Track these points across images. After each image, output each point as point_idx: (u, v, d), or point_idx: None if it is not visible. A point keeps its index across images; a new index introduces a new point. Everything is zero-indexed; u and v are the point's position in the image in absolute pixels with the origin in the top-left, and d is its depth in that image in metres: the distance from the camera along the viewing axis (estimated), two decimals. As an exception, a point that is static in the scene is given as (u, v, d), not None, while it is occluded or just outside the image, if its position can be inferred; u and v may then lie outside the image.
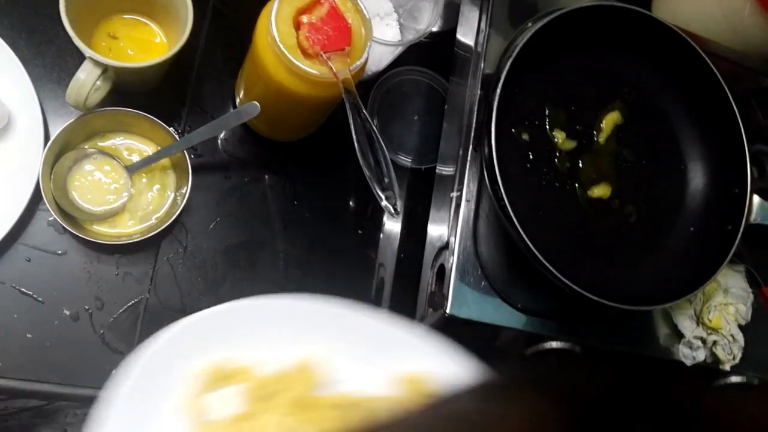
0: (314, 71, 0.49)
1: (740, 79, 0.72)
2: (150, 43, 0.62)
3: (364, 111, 0.48)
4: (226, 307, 0.48)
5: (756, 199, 0.61)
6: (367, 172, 0.47)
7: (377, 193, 0.47)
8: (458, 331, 0.56)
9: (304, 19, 0.50)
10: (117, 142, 0.60)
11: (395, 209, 0.47)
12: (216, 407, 0.46)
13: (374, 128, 0.48)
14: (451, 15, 0.76)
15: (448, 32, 0.74)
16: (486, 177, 0.56)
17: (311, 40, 0.49)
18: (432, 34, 0.77)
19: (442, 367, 0.49)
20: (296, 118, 0.61)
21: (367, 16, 0.52)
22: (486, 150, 0.55)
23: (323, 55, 0.49)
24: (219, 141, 0.66)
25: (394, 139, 0.73)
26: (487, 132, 0.53)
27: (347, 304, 0.50)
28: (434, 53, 0.76)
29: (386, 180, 0.47)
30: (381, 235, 0.71)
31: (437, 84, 0.75)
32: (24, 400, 0.99)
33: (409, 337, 0.50)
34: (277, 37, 0.49)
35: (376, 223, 0.71)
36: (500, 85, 0.53)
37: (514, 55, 0.54)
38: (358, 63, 0.50)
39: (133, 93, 0.62)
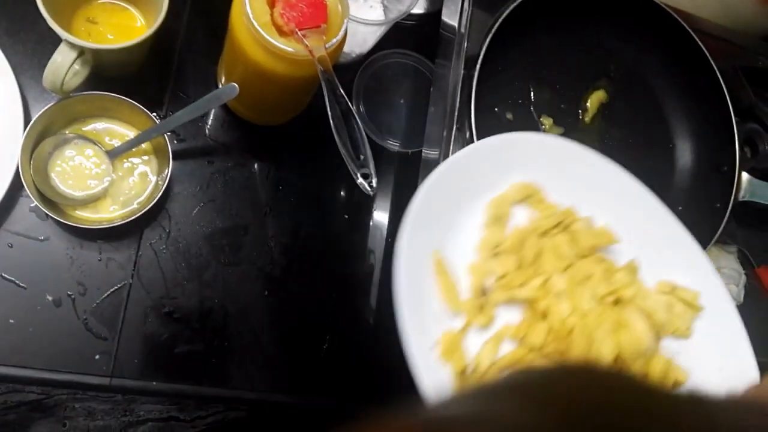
0: (289, 49, 0.48)
1: (730, 57, 0.71)
2: (130, 28, 0.61)
3: (340, 89, 0.48)
4: (559, 142, 0.54)
5: (745, 176, 0.60)
6: (342, 150, 0.46)
7: (353, 170, 0.47)
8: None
9: (279, -4, 0.49)
10: (98, 126, 0.60)
11: (370, 186, 0.47)
12: (513, 218, 0.53)
13: (350, 105, 0.47)
14: (436, -2, 0.75)
15: (434, 14, 0.73)
16: (467, 156, 0.55)
17: (286, 17, 0.49)
18: (417, 16, 0.77)
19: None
20: (276, 99, 0.61)
21: (344, -7, 0.51)
22: (467, 130, 0.54)
23: (298, 32, 0.48)
24: (202, 126, 0.65)
25: (381, 123, 0.72)
26: (467, 110, 0.53)
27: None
28: (420, 36, 0.75)
29: (362, 157, 0.46)
30: (371, 222, 0.71)
31: (423, 67, 0.74)
32: (22, 394, 0.99)
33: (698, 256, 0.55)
34: (251, 14, 0.48)
35: (363, 207, 0.70)
36: (479, 62, 0.52)
37: (493, 30, 0.53)
38: (334, 40, 0.50)
39: (115, 78, 0.62)
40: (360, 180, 0.46)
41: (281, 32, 0.49)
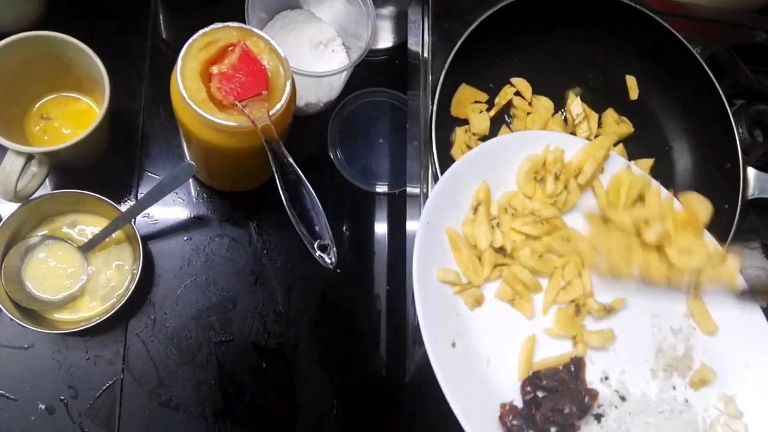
0: (230, 123, 0.46)
1: (725, 38, 0.66)
2: (86, 116, 0.60)
3: (288, 158, 0.45)
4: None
5: (751, 171, 0.55)
6: (294, 223, 0.43)
7: (308, 243, 0.43)
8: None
9: (215, 69, 0.47)
10: (67, 223, 0.59)
11: (330, 260, 0.43)
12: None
13: (300, 174, 0.44)
14: (402, 27, 0.72)
15: (401, 45, 0.70)
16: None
17: (223, 90, 0.46)
18: (385, 50, 0.74)
19: None
20: (238, 169, 0.58)
21: (283, 54, 0.48)
22: (432, 165, 0.51)
23: (239, 104, 0.46)
24: (175, 202, 0.63)
25: (364, 167, 0.69)
26: (429, 146, 0.49)
27: None
28: (391, 70, 0.72)
29: (317, 228, 0.43)
30: (374, 265, 0.68)
31: (399, 101, 0.71)
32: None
33: None
34: (185, 94, 0.46)
35: (355, 258, 0.67)
36: (436, 101, 0.49)
37: (450, 58, 0.50)
38: (278, 106, 0.47)
39: (82, 168, 0.61)
40: (318, 253, 0.43)
41: (222, 106, 0.47)
